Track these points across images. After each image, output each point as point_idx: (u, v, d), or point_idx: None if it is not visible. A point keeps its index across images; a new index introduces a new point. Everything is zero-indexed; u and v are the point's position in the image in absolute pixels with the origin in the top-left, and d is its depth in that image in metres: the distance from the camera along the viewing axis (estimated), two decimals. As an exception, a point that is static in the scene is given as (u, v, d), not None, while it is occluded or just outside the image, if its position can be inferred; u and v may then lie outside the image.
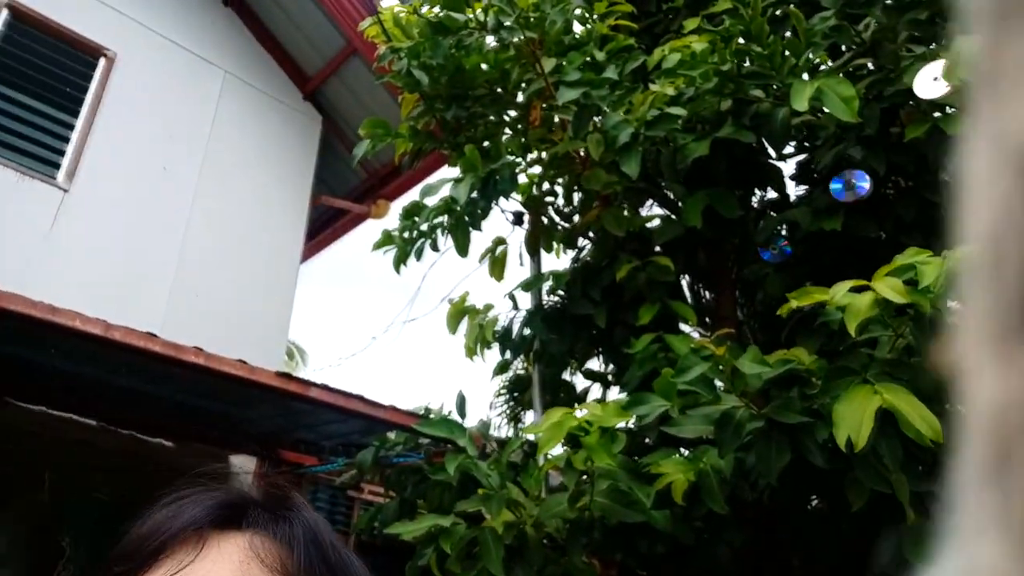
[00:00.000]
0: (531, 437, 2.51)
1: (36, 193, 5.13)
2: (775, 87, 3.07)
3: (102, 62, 5.80)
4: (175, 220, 5.76)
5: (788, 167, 3.63)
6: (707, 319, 3.38)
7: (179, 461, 4.92)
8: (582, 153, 3.58)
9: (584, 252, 3.83)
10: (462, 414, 2.91)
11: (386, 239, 3.72)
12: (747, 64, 3.04)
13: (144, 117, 5.87)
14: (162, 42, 6.20)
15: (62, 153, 5.39)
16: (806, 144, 3.54)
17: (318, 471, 4.62)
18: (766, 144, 3.36)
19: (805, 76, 2.96)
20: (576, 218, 3.94)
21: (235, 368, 3.29)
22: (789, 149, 3.47)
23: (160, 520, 0.56)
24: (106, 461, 4.39)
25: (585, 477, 2.08)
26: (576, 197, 3.98)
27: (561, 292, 3.62)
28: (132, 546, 0.55)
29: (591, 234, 3.85)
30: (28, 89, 5.41)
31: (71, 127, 5.49)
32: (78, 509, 4.07)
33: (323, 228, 7.68)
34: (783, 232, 3.30)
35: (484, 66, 3.79)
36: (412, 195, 3.95)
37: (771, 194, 3.70)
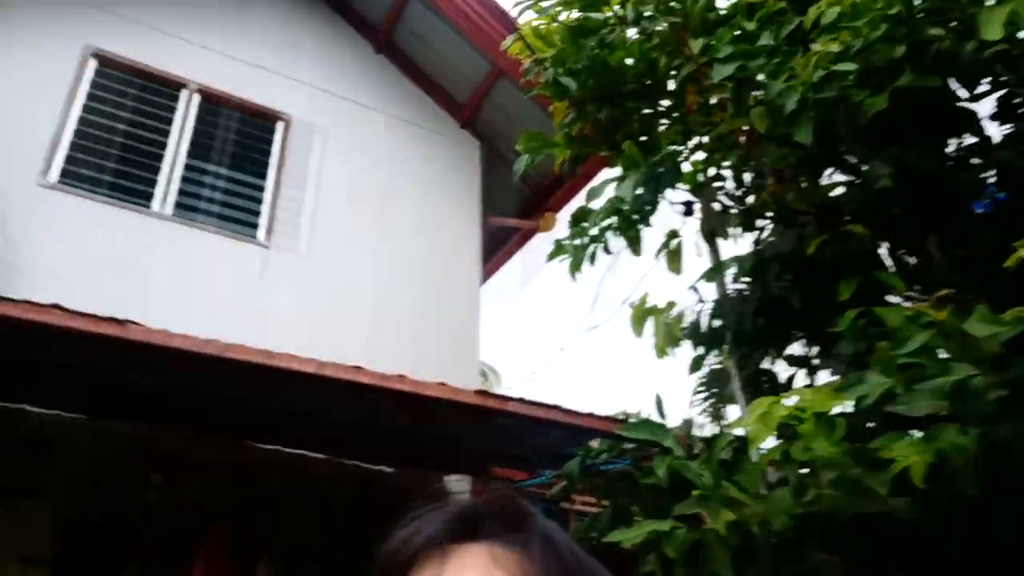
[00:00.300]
0: (739, 432, 2.42)
1: (243, 253, 5.68)
2: (955, 22, 2.77)
3: (280, 126, 6.34)
4: (362, 259, 6.16)
5: (984, 107, 3.27)
6: (915, 286, 3.11)
7: (400, 485, 5.22)
8: (746, 130, 3.43)
9: (765, 233, 3.65)
10: (662, 415, 2.86)
11: (558, 250, 3.74)
12: (918, 2, 2.77)
13: (321, 168, 6.34)
14: (328, 97, 6.67)
15: (258, 214, 5.93)
16: (1003, 79, 3.16)
17: (528, 485, 4.73)
18: (954, 86, 3.04)
19: (990, 1, 2.65)
20: (750, 199, 3.77)
21: (438, 391, 3.45)
22: (983, 87, 3.12)
23: (403, 538, 0.59)
24: (335, 490, 4.74)
25: (806, 470, 1.96)
26: (747, 177, 3.81)
27: (747, 278, 3.47)
28: (381, 565, 0.59)
29: (769, 213, 3.67)
30: (223, 161, 6.01)
31: (262, 188, 6.04)
32: (320, 544, 4.42)
33: (497, 248, 7.90)
34: (991, 178, 2.96)
35: (629, 60, 3.73)
36: (578, 202, 3.95)
37: (968, 140, 3.34)
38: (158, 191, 5.63)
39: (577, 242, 3.68)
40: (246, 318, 5.35)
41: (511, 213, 7.55)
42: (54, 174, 5.32)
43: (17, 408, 4.42)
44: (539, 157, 3.91)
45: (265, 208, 5.97)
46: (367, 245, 6.24)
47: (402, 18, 6.93)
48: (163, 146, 5.79)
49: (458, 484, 5.43)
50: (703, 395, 3.58)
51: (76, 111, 5.59)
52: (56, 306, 3.17)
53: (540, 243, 8.09)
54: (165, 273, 5.33)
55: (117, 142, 5.64)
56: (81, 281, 4.93)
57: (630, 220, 3.44)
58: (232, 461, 4.47)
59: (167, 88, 6.03)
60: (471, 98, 7.03)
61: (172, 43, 6.17)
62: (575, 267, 3.64)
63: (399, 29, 7.08)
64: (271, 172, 6.12)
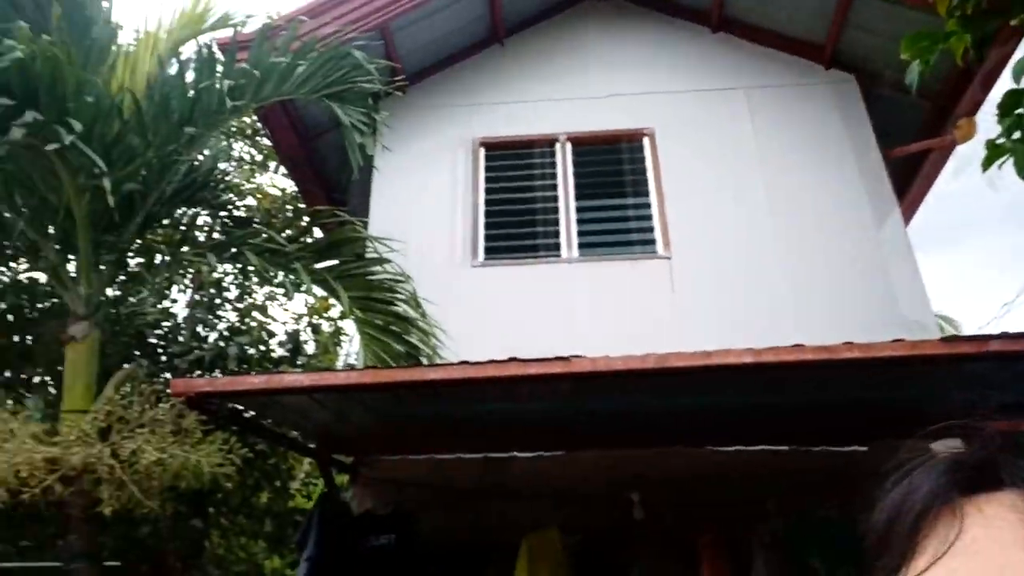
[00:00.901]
0: None
1: (649, 270, 5.86)
2: None
3: (646, 141, 6.48)
4: (759, 243, 5.90)
5: None
6: None
7: (878, 464, 4.77)
8: None
9: None
10: None
11: (994, 152, 3.14)
12: None
13: (693, 165, 6.29)
14: (682, 96, 6.65)
15: (651, 229, 6.09)
16: None
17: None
18: None
19: None
20: None
21: (894, 349, 3.08)
22: None
23: (896, 502, 0.51)
24: (805, 480, 4.51)
25: None
26: None
27: None
28: (879, 540, 0.51)
29: None
30: (606, 192, 6.34)
31: (648, 205, 6.20)
32: (814, 530, 4.22)
33: (909, 182, 6.96)
34: None
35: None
36: (999, 90, 3.27)
37: None
38: (562, 239, 6.13)
39: (1017, 135, 3.04)
40: (660, 328, 5.49)
41: (914, 138, 6.60)
42: (480, 254, 6.13)
43: (509, 456, 5.09)
44: (933, 57, 3.34)
45: (656, 222, 6.10)
46: (760, 226, 5.97)
47: (729, -11, 6.65)
48: (555, 199, 6.31)
49: (948, 448, 4.75)
50: None
51: (480, 195, 6.42)
52: (512, 359, 3.58)
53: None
54: (584, 308, 5.74)
55: (518, 210, 6.31)
56: (514, 333, 5.56)
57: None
58: (697, 468, 4.53)
59: (543, 148, 6.60)
60: (829, 33, 6.39)
61: (535, 107, 6.76)
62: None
63: (728, 2, 6.81)
64: (651, 186, 6.26)
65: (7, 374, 6.68)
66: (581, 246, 6.12)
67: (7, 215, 5.32)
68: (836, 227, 5.90)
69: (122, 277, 6.96)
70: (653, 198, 6.21)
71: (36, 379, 6.85)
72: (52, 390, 6.68)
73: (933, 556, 0.46)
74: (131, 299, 7.66)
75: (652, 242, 6.04)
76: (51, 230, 5.52)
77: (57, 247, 5.52)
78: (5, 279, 6.70)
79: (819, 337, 3.49)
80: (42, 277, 6.43)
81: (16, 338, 6.78)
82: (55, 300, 6.56)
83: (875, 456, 4.81)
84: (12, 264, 6.69)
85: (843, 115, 6.37)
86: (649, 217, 6.16)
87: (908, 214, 7.16)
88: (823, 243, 5.85)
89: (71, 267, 5.59)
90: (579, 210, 6.27)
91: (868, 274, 5.68)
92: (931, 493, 0.50)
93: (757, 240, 5.92)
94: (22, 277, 6.78)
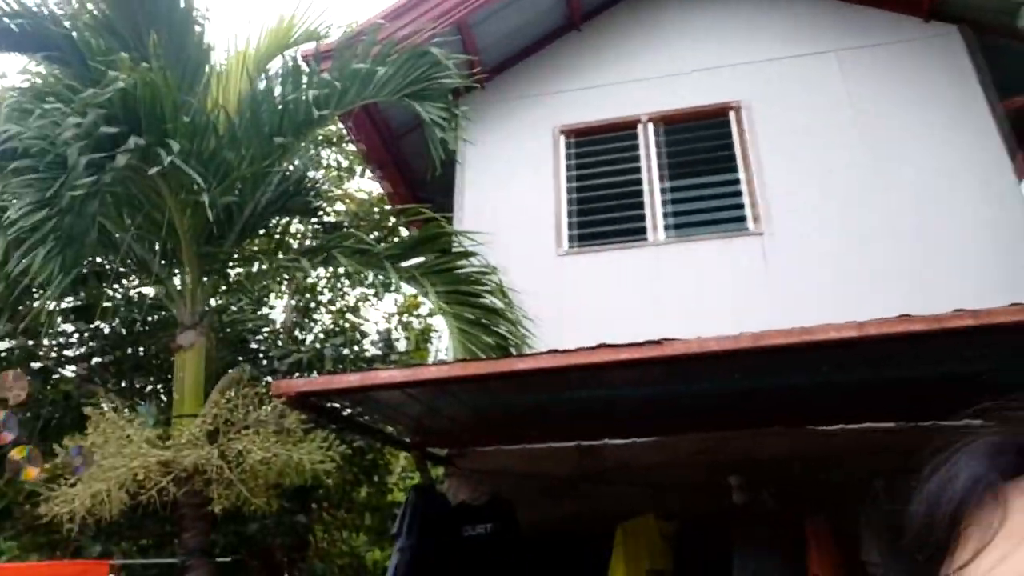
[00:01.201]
0: None
1: (740, 247, 5.66)
2: None
3: (732, 116, 6.25)
4: (859, 215, 5.60)
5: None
6: None
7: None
8: None
9: None
10: None
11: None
12: None
13: (783, 135, 6.02)
14: (767, 66, 6.38)
15: (741, 206, 5.87)
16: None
17: None
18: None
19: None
20: None
21: (1012, 314, 2.84)
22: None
23: (936, 490, 0.49)
24: (915, 458, 4.25)
25: None
26: None
27: None
28: (920, 530, 0.49)
29: None
30: (692, 171, 6.16)
31: (736, 181, 5.98)
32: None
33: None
34: None
35: None
36: None
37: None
38: (648, 222, 5.99)
39: None
40: (753, 307, 5.29)
41: (1031, 88, 6.10)
42: (564, 243, 6.07)
43: (602, 444, 5.02)
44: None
45: (746, 198, 5.88)
46: (858, 195, 5.65)
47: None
48: (638, 182, 6.18)
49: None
50: None
51: (563, 183, 6.35)
52: (602, 345, 3.51)
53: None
54: (674, 290, 5.59)
55: (604, 195, 6.21)
56: (604, 319, 5.47)
57: None
58: (799, 449, 4.34)
59: (625, 131, 6.47)
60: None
61: (616, 90, 6.64)
62: None
63: (813, -39, 6.49)
64: (740, 161, 6.04)
65: (123, 384, 7.09)
66: (669, 227, 5.96)
67: (117, 235, 5.63)
68: (945, 191, 5.52)
69: (223, 287, 7.27)
70: (742, 173, 5.98)
71: (148, 388, 7.25)
72: (163, 397, 7.05)
73: (978, 546, 0.44)
74: (233, 307, 7.99)
75: (743, 219, 5.82)
76: (157, 246, 5.82)
77: (163, 262, 5.82)
78: (118, 296, 7.10)
79: (930, 309, 3.27)
80: (151, 291, 6.79)
81: (129, 350, 7.19)
82: (164, 312, 6.91)
83: (990, 428, 4.49)
84: (124, 281, 7.09)
85: (947, 70, 5.95)
86: (739, 193, 5.94)
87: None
88: (932, 209, 5.48)
89: (177, 280, 5.87)
90: (666, 191, 6.11)
91: (985, 239, 5.28)
92: (971, 479, 0.47)
93: (855, 210, 5.61)
94: (133, 292, 7.18)
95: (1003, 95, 5.89)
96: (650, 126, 6.40)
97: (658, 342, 3.39)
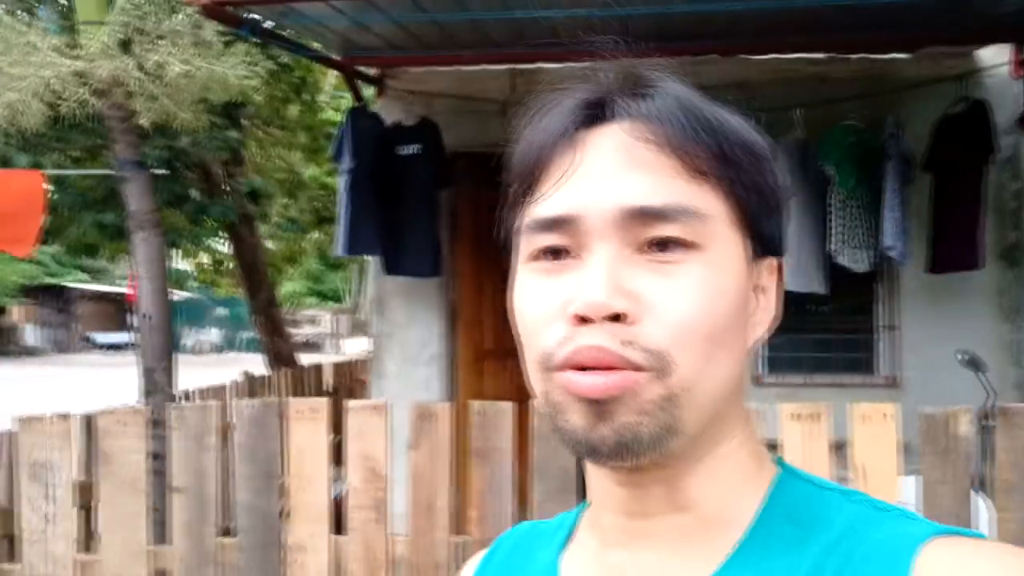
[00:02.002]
0: None
1: None
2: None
3: None
4: None
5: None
6: None
7: (918, 72, 4.61)
8: None
9: None
10: None
11: None
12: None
13: None
14: None
15: None
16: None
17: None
18: None
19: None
20: None
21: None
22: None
23: (528, 137, 0.58)
24: (844, 91, 4.42)
25: None
26: None
27: None
28: (517, 165, 0.58)
29: None
30: None
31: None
32: (833, 138, 4.25)
33: None
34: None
35: None
36: None
37: None
38: None
39: None
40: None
41: None
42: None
43: (536, 68, 4.97)
44: None
45: None
46: None
47: None
48: None
49: (995, 57, 4.54)
50: None
51: None
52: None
53: None
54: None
55: None
56: None
57: None
58: (729, 77, 4.41)
59: None
60: None
61: None
62: None
63: None
64: None
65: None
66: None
67: None
68: None
69: None
70: None
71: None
72: (63, 1, 6.44)
73: (555, 182, 0.54)
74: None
75: None
76: None
77: None
78: None
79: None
80: None
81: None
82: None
83: (918, 65, 4.64)
84: None
85: None
86: None
87: None
88: None
89: None
90: None
91: None
92: (556, 129, 0.56)
93: None
94: None
95: None
96: None
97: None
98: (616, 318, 0.49)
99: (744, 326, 0.56)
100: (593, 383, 0.49)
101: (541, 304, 0.53)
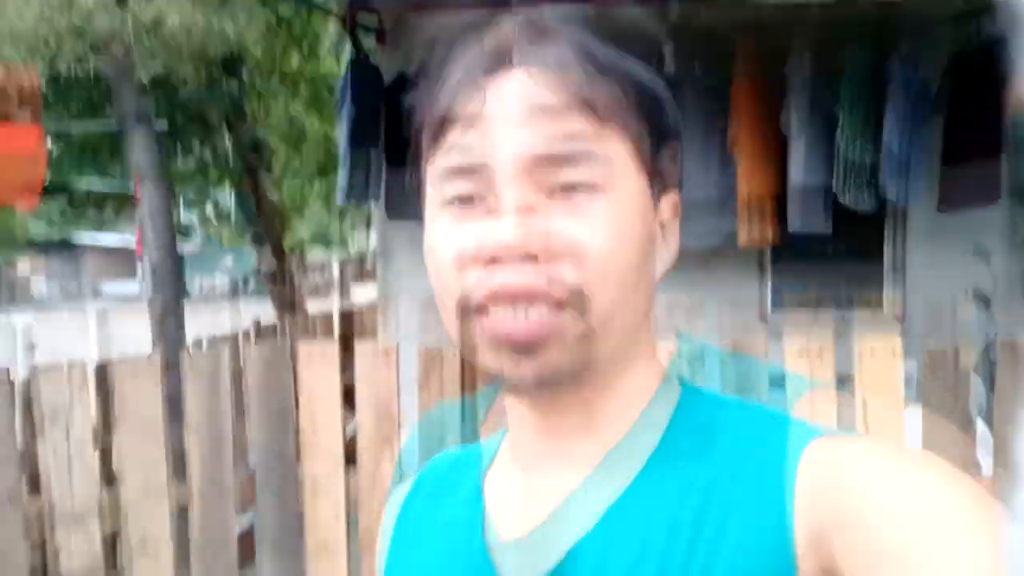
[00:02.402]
0: None
1: None
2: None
3: None
4: None
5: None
6: None
7: (932, 9, 4.51)
8: None
9: None
10: None
11: None
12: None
13: None
14: None
15: None
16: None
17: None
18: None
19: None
20: None
21: None
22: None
23: (433, 82, 0.59)
24: (847, 31, 4.35)
25: None
26: None
27: None
28: (425, 114, 0.58)
29: None
30: None
31: None
32: (843, 77, 4.20)
33: None
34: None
35: None
36: None
37: None
38: None
39: None
40: None
41: None
42: None
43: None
44: None
45: None
46: None
47: None
48: None
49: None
50: None
51: None
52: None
53: None
54: None
55: None
56: None
57: None
58: (737, 19, 4.33)
59: None
60: None
61: None
62: None
63: None
64: None
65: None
66: None
67: None
68: None
69: None
70: None
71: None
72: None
73: (462, 131, 0.55)
74: None
75: None
76: None
77: None
78: None
79: None
80: None
81: None
82: None
83: (931, 2, 4.54)
84: None
85: None
86: None
87: None
88: None
89: None
90: None
91: None
92: (461, 77, 0.56)
93: None
94: None
95: None
96: None
97: None
98: (531, 260, 0.52)
99: (652, 261, 0.58)
100: (515, 327, 0.52)
101: (456, 250, 0.54)
